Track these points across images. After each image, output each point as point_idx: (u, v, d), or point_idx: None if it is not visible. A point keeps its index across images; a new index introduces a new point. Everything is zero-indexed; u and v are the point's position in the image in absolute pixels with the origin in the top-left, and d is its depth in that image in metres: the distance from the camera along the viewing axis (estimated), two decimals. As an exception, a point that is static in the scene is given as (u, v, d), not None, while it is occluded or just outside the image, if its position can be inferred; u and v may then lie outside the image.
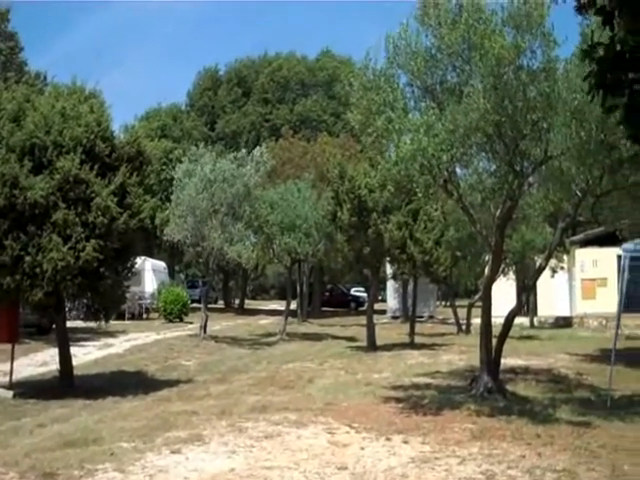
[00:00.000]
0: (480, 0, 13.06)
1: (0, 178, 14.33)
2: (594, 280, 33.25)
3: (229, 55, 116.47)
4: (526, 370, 18.48)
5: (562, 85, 12.76)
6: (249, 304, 62.94)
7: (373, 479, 8.91)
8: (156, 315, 40.39)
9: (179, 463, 9.61)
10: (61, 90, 16.82)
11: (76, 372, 17.26)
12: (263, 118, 60.96)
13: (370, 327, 25.84)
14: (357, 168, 25.76)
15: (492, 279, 16.00)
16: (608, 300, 26.04)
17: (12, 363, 16.36)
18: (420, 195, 15.91)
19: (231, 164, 28.44)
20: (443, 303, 54.91)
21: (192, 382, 17.59)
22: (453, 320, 33.38)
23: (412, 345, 26.02)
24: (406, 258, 25.76)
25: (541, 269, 16.57)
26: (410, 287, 33.74)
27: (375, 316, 28.15)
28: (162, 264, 47.28)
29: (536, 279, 17.76)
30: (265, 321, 41.70)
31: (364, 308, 38.93)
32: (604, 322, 30.11)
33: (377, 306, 32.78)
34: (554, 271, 29.07)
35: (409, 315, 31.40)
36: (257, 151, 29.93)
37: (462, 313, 32.14)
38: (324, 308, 55.16)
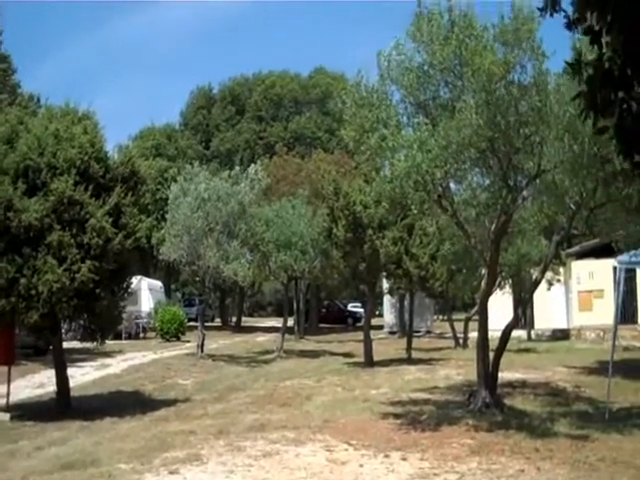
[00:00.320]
0: (472, 16, 13.14)
1: (-6, 201, 14.34)
2: (590, 292, 33.17)
3: (221, 75, 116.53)
4: (524, 384, 18.46)
5: (554, 99, 12.81)
6: (246, 321, 62.80)
7: (372, 497, 8.90)
8: (153, 334, 40.31)
9: (177, 484, 9.59)
10: (54, 112, 16.87)
11: (73, 393, 17.23)
12: (257, 136, 61.05)
13: (367, 343, 25.80)
14: (352, 184, 25.79)
15: (488, 293, 16.02)
16: (605, 312, 26.02)
17: (9, 385, 16.29)
18: (415, 211, 15.94)
19: (225, 182, 28.48)
20: (440, 317, 54.83)
21: (190, 401, 17.56)
22: (450, 334, 33.35)
23: (409, 360, 25.99)
24: (402, 273, 25.79)
25: (537, 282, 16.58)
26: (407, 302, 33.74)
27: (372, 331, 28.14)
28: (158, 283, 47.22)
29: (532, 292, 17.77)
30: (262, 338, 41.61)
31: (361, 324, 38.91)
32: (601, 334, 30.05)
33: (374, 321, 32.81)
34: (550, 284, 28.99)
35: (406, 330, 31.36)
36: (252, 169, 29.99)
37: (459, 327, 32.11)
38: (321, 324, 55.08)
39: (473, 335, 24.78)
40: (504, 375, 17.23)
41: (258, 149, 59.46)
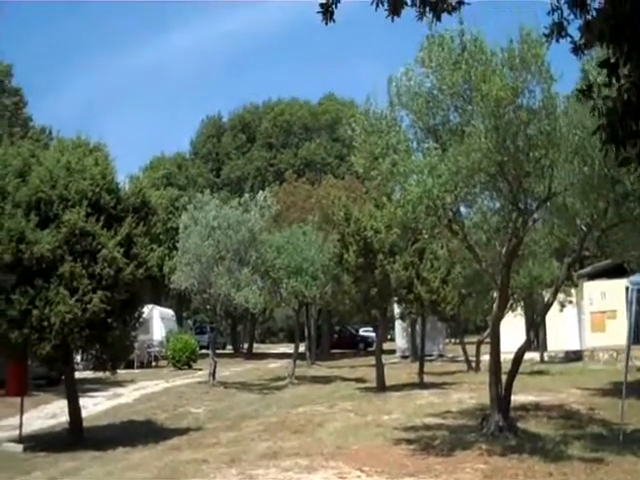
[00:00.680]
0: (482, 40, 13.18)
1: (7, 233, 14.43)
2: (603, 312, 32.96)
3: (231, 104, 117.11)
4: (537, 406, 18.35)
5: (563, 122, 12.86)
6: (258, 348, 62.69)
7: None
8: (165, 363, 40.26)
9: (191, 514, 9.56)
10: (66, 144, 17.00)
11: (86, 423, 17.21)
12: (268, 163, 61.14)
13: (379, 368, 25.71)
14: (362, 210, 25.85)
15: (500, 316, 15.96)
16: (618, 332, 25.86)
17: (21, 416, 16.32)
18: (426, 236, 15.97)
19: (235, 210, 28.55)
20: (452, 340, 54.59)
21: (202, 430, 17.51)
22: (462, 358, 33.22)
23: (422, 385, 25.88)
24: (413, 298, 25.77)
25: (549, 304, 16.54)
26: (418, 326, 33.64)
27: (384, 356, 28.05)
28: (170, 312, 47.21)
29: (545, 314, 17.70)
30: (274, 365, 41.50)
31: (373, 348, 38.76)
32: (615, 355, 29.84)
33: (386, 346, 32.67)
34: (563, 305, 28.91)
35: (418, 354, 31.26)
36: (260, 196, 30.06)
37: (471, 350, 31.96)
38: (333, 350, 54.90)
39: (485, 358, 24.67)
40: (517, 398, 17.14)
41: (269, 176, 59.55)
